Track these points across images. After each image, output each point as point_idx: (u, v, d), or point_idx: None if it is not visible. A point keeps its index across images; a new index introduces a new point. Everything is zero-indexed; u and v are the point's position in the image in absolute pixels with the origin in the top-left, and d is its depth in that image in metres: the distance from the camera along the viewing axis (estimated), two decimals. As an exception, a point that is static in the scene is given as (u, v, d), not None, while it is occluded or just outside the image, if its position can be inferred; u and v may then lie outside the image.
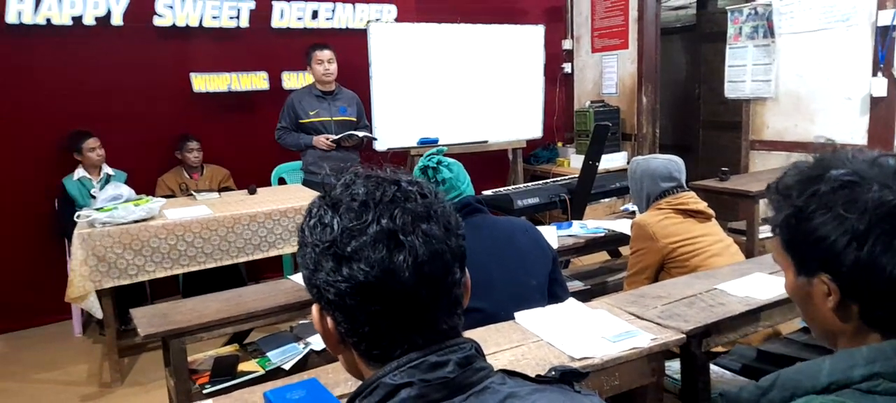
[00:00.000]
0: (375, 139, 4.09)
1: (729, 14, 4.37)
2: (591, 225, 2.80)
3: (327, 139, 3.75)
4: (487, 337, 1.48)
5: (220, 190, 3.84)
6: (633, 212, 3.03)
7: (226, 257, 3.06)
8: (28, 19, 3.51)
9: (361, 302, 0.67)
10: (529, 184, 3.82)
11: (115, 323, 3.00)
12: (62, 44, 3.63)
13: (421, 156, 4.42)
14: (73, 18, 3.62)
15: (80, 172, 3.63)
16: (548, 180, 3.87)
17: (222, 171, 4.07)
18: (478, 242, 1.69)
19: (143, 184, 3.68)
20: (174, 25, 3.90)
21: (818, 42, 3.82)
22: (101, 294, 2.84)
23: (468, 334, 0.73)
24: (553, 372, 0.74)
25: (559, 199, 3.47)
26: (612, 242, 2.80)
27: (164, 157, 3.95)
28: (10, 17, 3.46)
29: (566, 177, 3.87)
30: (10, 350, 3.46)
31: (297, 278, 2.24)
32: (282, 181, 4.26)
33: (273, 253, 3.20)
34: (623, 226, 2.71)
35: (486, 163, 5.10)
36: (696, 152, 6.23)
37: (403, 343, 0.69)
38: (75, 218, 3.39)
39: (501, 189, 3.69)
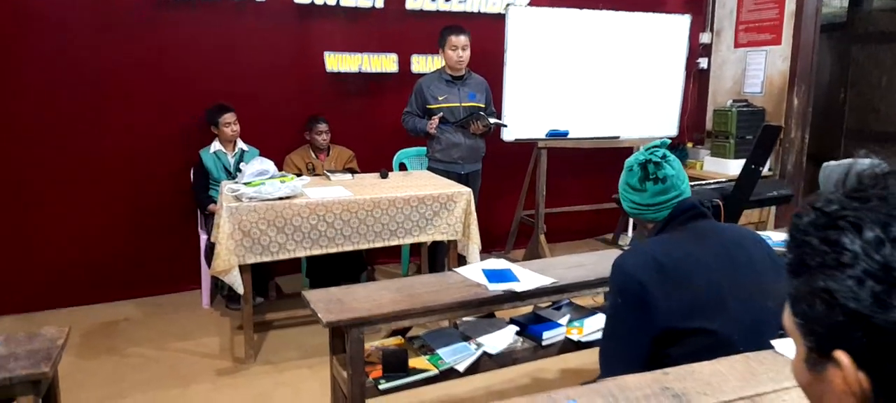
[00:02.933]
0: (506, 126, 3.90)
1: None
2: (777, 237, 2.48)
3: (435, 120, 3.59)
4: (745, 371, 1.25)
5: (346, 171, 3.78)
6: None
7: (363, 241, 2.97)
8: (178, -7, 3.56)
9: None
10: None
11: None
12: (207, 18, 3.67)
13: (548, 148, 4.29)
14: (220, -7, 3.65)
15: (216, 145, 3.66)
16: (696, 183, 3.53)
17: (347, 153, 4.01)
18: (705, 253, 1.45)
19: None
20: (313, 3, 3.86)
21: None
22: (242, 269, 2.81)
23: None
24: None
25: (711, 205, 3.15)
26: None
27: (293, 135, 3.94)
28: (161, -11, 3.53)
29: (718, 181, 3.52)
30: (142, 317, 3.55)
31: (467, 271, 2.08)
32: (403, 166, 4.17)
33: (409, 240, 3.08)
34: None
35: (608, 159, 4.80)
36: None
37: None
38: (215, 193, 3.45)
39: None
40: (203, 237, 3.59)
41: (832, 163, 2.02)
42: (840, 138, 5.62)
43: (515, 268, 2.09)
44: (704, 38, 5.07)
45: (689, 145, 5.08)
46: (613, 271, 1.49)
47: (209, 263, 3.44)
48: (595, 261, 2.22)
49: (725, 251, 1.46)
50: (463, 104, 3.70)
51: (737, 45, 4.90)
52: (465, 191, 3.13)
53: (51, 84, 3.43)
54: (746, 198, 3.22)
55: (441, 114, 3.63)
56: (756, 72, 4.73)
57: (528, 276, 2.01)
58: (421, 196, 3.03)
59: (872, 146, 5.24)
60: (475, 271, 2.07)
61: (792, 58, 4.47)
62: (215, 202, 3.51)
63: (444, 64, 3.75)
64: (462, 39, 3.61)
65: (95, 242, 3.63)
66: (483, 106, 3.78)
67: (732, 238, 1.50)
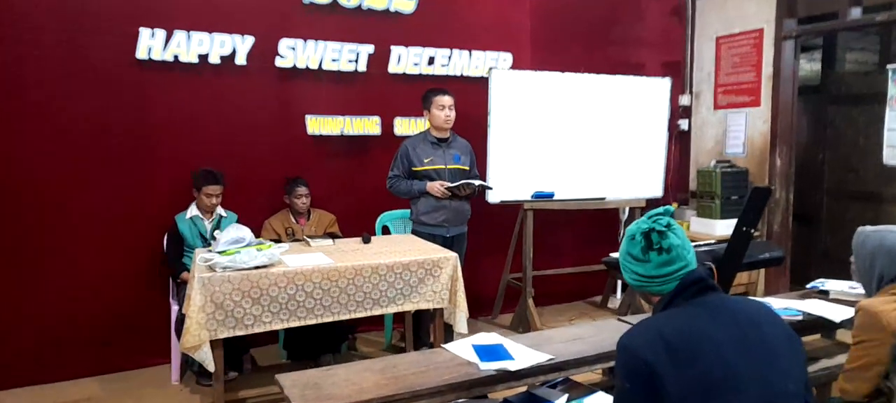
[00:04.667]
0: (491, 189, 3.83)
1: (890, 74, 3.92)
2: (777, 304, 2.38)
3: (442, 186, 3.53)
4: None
5: (327, 236, 3.65)
6: (826, 292, 2.60)
7: (344, 311, 2.81)
8: (157, 56, 3.49)
9: None
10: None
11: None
12: (186, 81, 3.59)
13: (534, 210, 4.22)
14: (200, 56, 3.59)
15: (192, 210, 3.52)
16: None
17: (328, 217, 3.89)
18: (718, 330, 1.34)
19: (249, 228, 3.53)
20: (295, 67, 3.82)
21: None
22: (213, 344, 2.63)
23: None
24: None
25: (705, 268, 3.07)
26: (811, 328, 2.36)
27: (273, 199, 3.81)
28: (141, 53, 3.46)
29: (707, 243, 3.46)
30: (106, 396, 3.30)
31: (456, 347, 1.94)
32: (386, 230, 4.05)
33: (393, 309, 2.93)
34: (823, 310, 2.28)
35: (595, 221, 4.75)
36: (819, 223, 5.66)
37: None
38: (188, 260, 3.28)
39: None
40: (174, 307, 3.39)
41: (867, 228, 1.96)
42: (821, 198, 5.65)
43: (508, 344, 1.96)
44: (684, 99, 5.13)
45: (675, 206, 5.05)
46: (619, 351, 1.37)
47: (179, 336, 3.25)
48: (593, 333, 2.10)
49: (738, 328, 1.36)
50: (448, 166, 3.64)
51: (717, 106, 4.96)
52: (451, 257, 3.01)
53: (19, 144, 3.28)
54: (739, 262, 3.16)
55: (441, 181, 3.55)
56: (737, 132, 4.77)
57: (522, 352, 1.88)
58: (405, 262, 2.90)
59: (853, 205, 5.29)
60: (465, 348, 1.93)
61: (772, 119, 4.51)
62: (188, 271, 3.34)
63: (427, 126, 3.70)
64: (448, 99, 3.59)
65: (57, 315, 3.40)
66: (467, 168, 3.72)
67: (745, 313, 1.40)
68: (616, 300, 4.84)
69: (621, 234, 4.71)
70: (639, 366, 1.30)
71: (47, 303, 3.38)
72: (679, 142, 5.21)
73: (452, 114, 3.61)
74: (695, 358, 1.29)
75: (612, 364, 1.98)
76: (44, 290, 3.37)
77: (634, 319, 2.21)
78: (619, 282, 4.90)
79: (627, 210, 4.66)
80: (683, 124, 5.16)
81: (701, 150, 5.11)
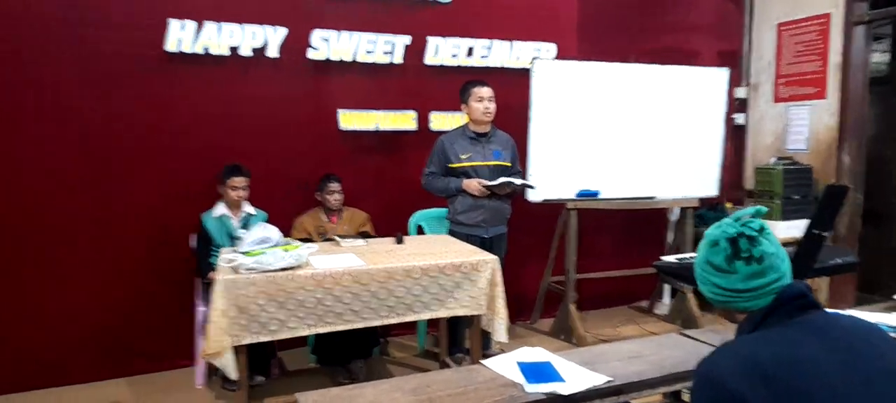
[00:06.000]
0: (533, 188, 3.59)
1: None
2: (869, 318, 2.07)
3: (480, 184, 3.32)
4: None
5: (359, 235, 3.48)
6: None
7: (375, 317, 2.62)
8: (187, 48, 3.37)
9: None
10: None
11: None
12: (217, 74, 3.46)
13: (577, 209, 3.96)
14: (231, 48, 3.46)
15: (220, 209, 3.39)
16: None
17: (361, 215, 3.71)
18: (826, 356, 1.09)
19: (279, 226, 3.38)
20: (328, 59, 3.66)
21: None
22: (236, 349, 2.47)
23: None
24: None
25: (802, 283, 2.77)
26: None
27: (303, 197, 3.66)
28: (170, 46, 3.34)
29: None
30: (131, 398, 3.20)
31: (498, 364, 1.72)
32: (420, 229, 3.86)
33: (426, 316, 2.73)
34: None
35: (641, 221, 4.45)
36: (889, 224, 5.21)
37: None
38: (216, 260, 3.15)
39: (691, 255, 3.03)
40: (201, 309, 3.27)
41: None
42: (891, 197, 5.21)
43: (557, 361, 1.73)
44: (740, 92, 4.78)
45: (728, 205, 4.71)
46: (698, 381, 1.13)
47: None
48: (653, 350, 1.85)
49: (853, 354, 1.10)
50: (488, 163, 3.42)
51: (777, 99, 4.60)
52: (491, 259, 2.79)
53: (44, 143, 3.20)
54: (811, 267, 2.84)
55: (479, 179, 3.35)
56: (800, 127, 4.40)
57: (573, 372, 1.65)
58: (441, 265, 2.69)
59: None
60: (508, 364, 1.71)
61: (840, 112, 4.14)
62: (216, 270, 3.21)
63: (466, 120, 3.48)
64: (487, 90, 3.37)
65: (82, 316, 3.32)
66: (509, 165, 3.49)
67: (861, 337, 1.14)
68: (663, 305, 4.54)
69: (676, 236, 4.39)
70: (726, 398, 1.06)
71: (73, 304, 3.30)
72: (734, 137, 4.86)
73: (492, 106, 3.38)
74: (800, 393, 1.04)
75: (676, 387, 1.73)
76: (70, 290, 3.29)
77: (704, 336, 1.95)
78: (667, 287, 4.59)
79: (677, 210, 4.36)
80: (739, 118, 4.81)
81: (758, 146, 4.76)
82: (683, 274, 2.84)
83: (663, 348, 1.86)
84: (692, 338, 1.93)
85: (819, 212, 2.78)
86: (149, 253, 3.43)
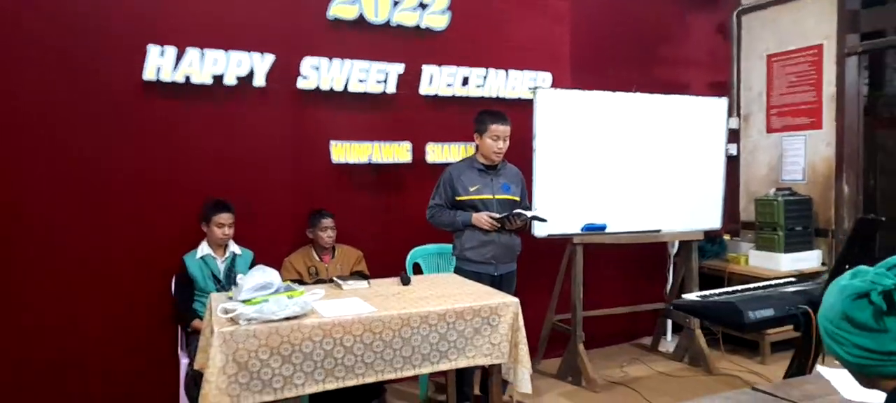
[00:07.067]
0: (545, 220, 3.39)
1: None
2: None
3: (490, 218, 3.12)
4: None
5: (355, 275, 3.23)
6: None
7: (388, 369, 2.36)
8: (166, 77, 3.10)
9: None
10: (751, 287, 2.96)
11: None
12: (199, 104, 3.19)
13: (583, 244, 3.78)
14: (214, 77, 3.20)
15: (203, 249, 3.09)
16: (772, 283, 3.01)
17: (354, 253, 3.45)
18: None
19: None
20: (318, 88, 3.44)
21: None
22: (234, 411, 2.17)
23: None
24: None
25: (800, 312, 2.63)
26: None
27: (293, 234, 3.39)
28: (148, 74, 3.07)
29: (792, 282, 3.02)
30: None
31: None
32: (417, 267, 3.62)
33: (444, 366, 2.48)
34: None
35: (637, 255, 4.31)
36: (872, 252, 5.24)
37: None
38: (202, 306, 2.82)
39: (715, 292, 2.86)
40: (184, 361, 2.94)
41: None
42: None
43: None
44: (732, 123, 4.75)
45: (727, 237, 4.64)
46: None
47: (190, 396, 2.79)
48: (729, 408, 1.65)
49: None
50: (497, 196, 3.23)
51: (770, 129, 4.59)
52: (512, 302, 2.57)
53: (9, 179, 2.87)
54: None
55: (488, 212, 3.16)
56: (796, 157, 4.38)
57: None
58: (458, 309, 2.46)
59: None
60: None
61: (837, 142, 4.13)
62: (201, 317, 2.90)
63: (476, 151, 3.30)
64: (504, 129, 3.19)
65: (50, 368, 2.94)
66: (518, 199, 3.31)
67: None
68: (668, 343, 4.39)
69: (679, 270, 4.24)
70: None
71: (44, 357, 2.92)
72: (726, 168, 4.82)
73: (506, 145, 3.21)
74: None
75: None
76: (37, 341, 2.92)
77: (780, 390, 1.76)
78: (670, 323, 4.45)
79: (677, 243, 4.24)
80: (732, 149, 4.77)
81: (752, 177, 4.72)
82: (711, 314, 2.66)
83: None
84: (767, 394, 1.73)
85: (848, 246, 2.68)
86: (124, 300, 3.09)
